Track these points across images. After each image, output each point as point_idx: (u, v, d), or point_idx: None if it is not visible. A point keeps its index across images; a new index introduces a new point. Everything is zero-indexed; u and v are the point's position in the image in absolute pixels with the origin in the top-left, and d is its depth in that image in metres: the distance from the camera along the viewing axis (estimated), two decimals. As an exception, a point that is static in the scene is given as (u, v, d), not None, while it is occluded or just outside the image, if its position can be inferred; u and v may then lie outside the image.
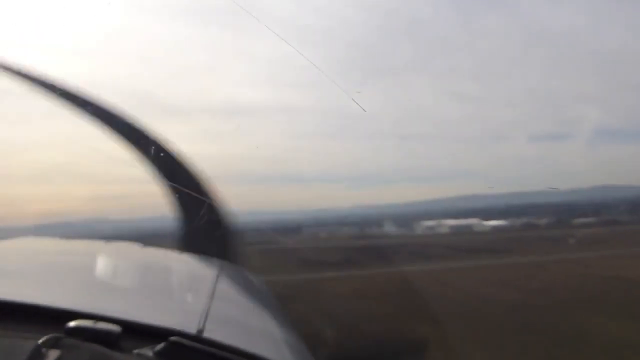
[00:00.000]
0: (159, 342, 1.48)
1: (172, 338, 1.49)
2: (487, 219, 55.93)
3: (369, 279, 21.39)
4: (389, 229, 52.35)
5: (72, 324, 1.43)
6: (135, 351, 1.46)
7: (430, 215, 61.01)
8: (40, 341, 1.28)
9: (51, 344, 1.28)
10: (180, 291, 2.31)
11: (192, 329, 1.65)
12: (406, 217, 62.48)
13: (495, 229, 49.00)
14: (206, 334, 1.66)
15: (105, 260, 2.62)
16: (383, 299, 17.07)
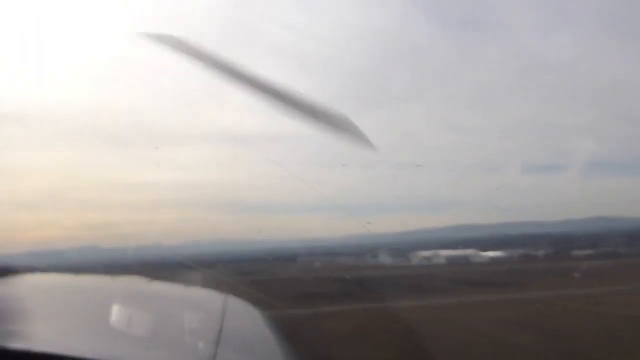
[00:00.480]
0: None
1: None
2: (483, 250, 54.37)
3: (368, 316, 19.38)
4: (385, 259, 50.58)
5: None
6: None
7: (426, 245, 59.43)
8: None
9: None
10: (188, 333, 2.17)
11: None
12: (402, 247, 60.82)
13: (493, 260, 47.26)
14: None
15: (116, 301, 2.54)
16: (385, 341, 15.11)
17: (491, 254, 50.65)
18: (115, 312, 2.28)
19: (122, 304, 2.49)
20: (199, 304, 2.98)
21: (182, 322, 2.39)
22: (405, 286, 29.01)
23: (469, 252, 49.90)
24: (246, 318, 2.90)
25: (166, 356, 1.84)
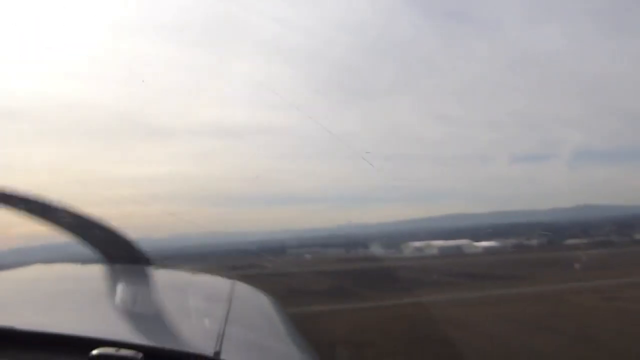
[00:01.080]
0: None
1: None
2: (476, 240, 52.86)
3: (365, 316, 17.61)
4: (378, 250, 48.93)
5: (95, 351, 1.47)
6: None
7: (418, 236, 57.88)
8: None
9: None
10: (196, 313, 2.23)
11: (209, 352, 1.66)
12: (394, 238, 59.32)
13: (487, 250, 45.67)
14: (223, 356, 1.66)
15: (119, 284, 2.70)
16: (386, 347, 13.32)
17: (485, 244, 49.14)
18: (122, 298, 2.32)
19: (129, 290, 2.50)
20: (206, 287, 2.91)
21: (189, 306, 2.33)
22: (401, 280, 27.23)
23: (463, 242, 48.34)
24: (254, 301, 2.86)
25: (176, 334, 1.82)
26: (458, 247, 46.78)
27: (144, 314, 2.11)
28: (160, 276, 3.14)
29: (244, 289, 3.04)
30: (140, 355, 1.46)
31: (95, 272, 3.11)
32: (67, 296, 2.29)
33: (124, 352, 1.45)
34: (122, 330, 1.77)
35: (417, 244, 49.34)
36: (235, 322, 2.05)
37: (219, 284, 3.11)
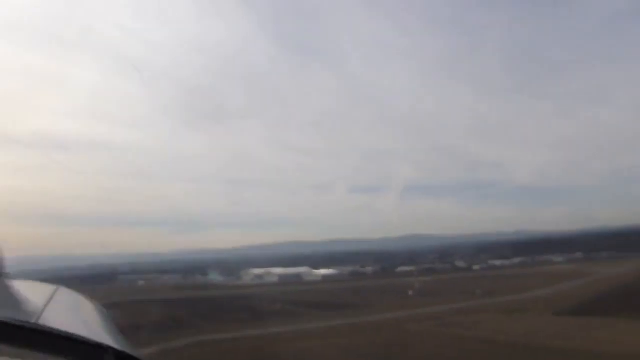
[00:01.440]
0: None
1: None
2: (314, 267, 53.35)
3: (203, 352, 15.93)
4: (216, 277, 46.92)
5: None
6: None
7: (258, 262, 57.00)
8: None
9: None
10: (11, 307, 2.05)
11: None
12: (233, 264, 57.71)
13: (326, 278, 46.05)
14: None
15: None
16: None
17: (323, 271, 49.64)
18: None
19: None
20: (25, 290, 2.56)
21: (11, 301, 2.18)
22: (241, 309, 25.83)
23: (302, 270, 48.31)
24: (76, 303, 2.61)
25: None
26: (298, 275, 46.63)
27: None
28: None
29: (67, 292, 2.76)
30: None
31: None
32: None
33: None
34: None
35: (257, 271, 48.36)
36: (51, 315, 1.86)
37: (43, 287, 2.76)
